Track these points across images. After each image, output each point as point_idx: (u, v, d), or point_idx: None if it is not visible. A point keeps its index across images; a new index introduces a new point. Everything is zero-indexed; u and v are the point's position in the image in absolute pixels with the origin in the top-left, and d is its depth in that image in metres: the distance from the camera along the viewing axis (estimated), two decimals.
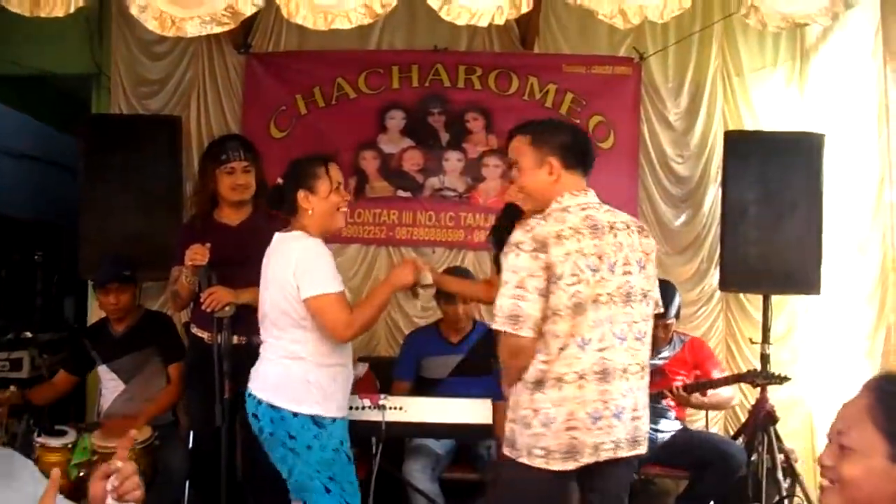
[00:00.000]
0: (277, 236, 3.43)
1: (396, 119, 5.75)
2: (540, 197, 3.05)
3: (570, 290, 2.87)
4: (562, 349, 2.90)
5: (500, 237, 3.38)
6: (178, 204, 5.31)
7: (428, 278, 3.54)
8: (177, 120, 5.50)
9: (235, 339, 3.85)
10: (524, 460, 2.96)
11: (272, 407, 3.28)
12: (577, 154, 3.08)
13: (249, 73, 5.77)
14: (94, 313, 5.73)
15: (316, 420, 3.26)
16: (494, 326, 2.95)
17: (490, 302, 3.95)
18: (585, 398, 2.90)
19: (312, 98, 5.73)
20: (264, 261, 3.45)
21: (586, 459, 2.93)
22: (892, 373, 1.78)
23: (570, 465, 2.92)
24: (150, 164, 5.32)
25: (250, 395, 3.37)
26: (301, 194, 3.36)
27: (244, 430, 3.94)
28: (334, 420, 3.31)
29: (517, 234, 2.93)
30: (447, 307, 4.67)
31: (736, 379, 4.82)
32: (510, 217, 3.44)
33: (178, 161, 5.36)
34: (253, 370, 3.43)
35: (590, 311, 2.90)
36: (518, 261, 2.88)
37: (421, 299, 5.02)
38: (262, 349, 3.44)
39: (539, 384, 2.94)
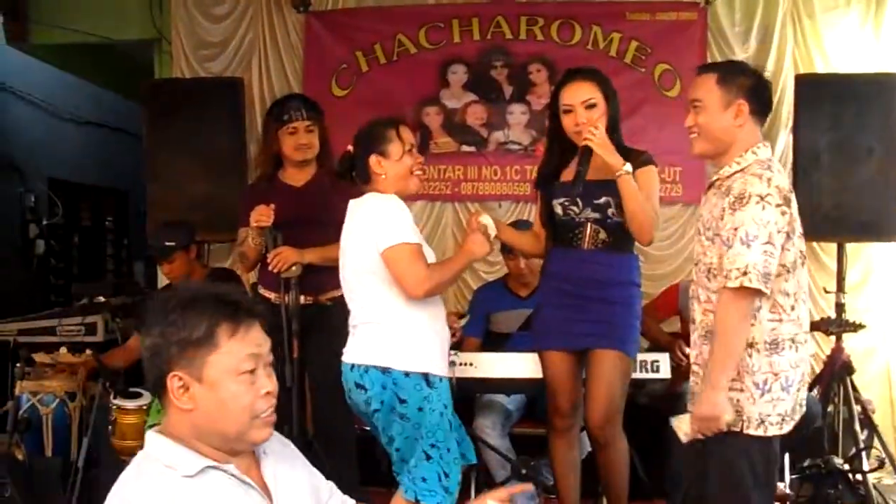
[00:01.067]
0: (351, 203, 3.33)
1: (458, 73, 5.71)
2: (718, 141, 2.91)
3: (798, 244, 2.82)
4: (792, 308, 2.82)
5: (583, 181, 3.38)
6: (242, 166, 5.32)
7: (491, 226, 3.43)
8: (239, 82, 5.49)
9: (303, 298, 3.85)
10: (752, 431, 2.81)
11: (383, 371, 3.14)
12: (764, 101, 2.95)
13: (309, 31, 5.75)
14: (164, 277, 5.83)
15: (428, 378, 3.15)
16: (732, 285, 2.71)
17: (534, 255, 3.93)
18: (807, 358, 2.88)
19: (373, 55, 5.70)
20: (343, 233, 3.35)
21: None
22: None
23: (789, 429, 2.86)
24: (214, 127, 5.32)
25: (352, 366, 3.24)
26: (373, 159, 3.24)
27: (315, 390, 3.99)
28: (441, 379, 3.21)
29: (758, 185, 2.75)
30: (509, 261, 4.64)
31: (812, 328, 4.72)
32: (587, 160, 3.40)
33: (241, 123, 5.35)
34: (347, 345, 3.33)
35: (801, 268, 2.85)
36: (765, 214, 2.72)
37: None
38: (350, 320, 3.33)
39: (774, 346, 2.80)
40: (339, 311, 3.87)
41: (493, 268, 5.47)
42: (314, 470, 2.12)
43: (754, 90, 2.91)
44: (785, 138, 5.44)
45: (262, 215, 3.83)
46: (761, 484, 2.86)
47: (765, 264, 2.70)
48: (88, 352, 4.68)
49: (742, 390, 2.81)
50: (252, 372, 1.82)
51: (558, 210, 3.59)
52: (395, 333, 3.19)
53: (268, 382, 1.85)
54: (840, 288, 4.92)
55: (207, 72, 5.79)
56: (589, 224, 3.53)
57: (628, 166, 3.39)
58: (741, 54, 5.56)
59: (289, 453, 2.04)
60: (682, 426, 2.88)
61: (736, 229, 2.74)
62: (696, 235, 3.05)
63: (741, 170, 2.86)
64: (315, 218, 3.88)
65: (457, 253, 3.44)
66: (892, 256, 5.28)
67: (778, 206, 2.74)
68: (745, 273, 2.69)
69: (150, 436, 1.86)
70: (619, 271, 3.59)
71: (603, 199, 3.50)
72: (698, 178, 5.54)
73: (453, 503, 3.23)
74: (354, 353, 3.25)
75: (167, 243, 4.54)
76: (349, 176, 3.36)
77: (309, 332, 3.75)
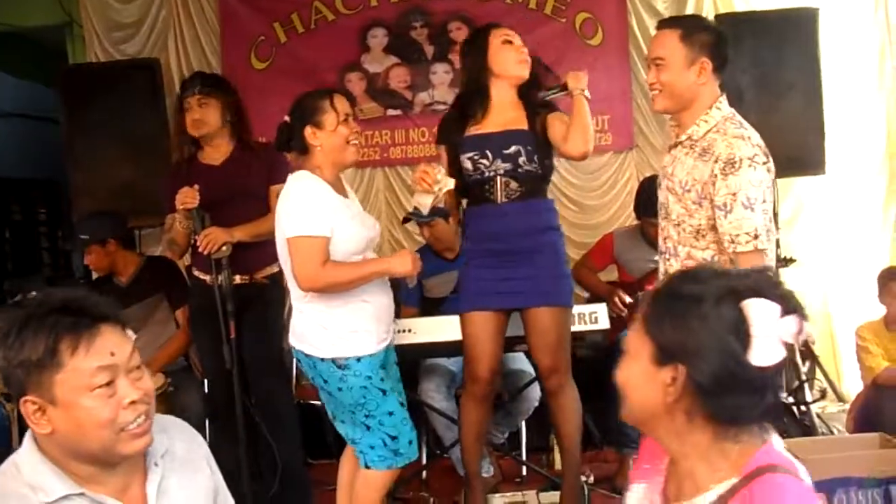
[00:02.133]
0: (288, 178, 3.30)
1: (378, 37, 5.65)
2: (681, 98, 2.94)
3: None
4: None
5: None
6: (164, 148, 5.18)
7: (448, 181, 3.36)
8: (155, 62, 5.36)
9: (238, 278, 3.79)
10: None
11: (305, 355, 3.22)
12: (723, 57, 2.97)
13: (224, 6, 5.65)
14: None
15: (337, 362, 3.16)
16: (745, 249, 2.80)
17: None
18: None
19: (291, 24, 5.62)
20: None
21: None
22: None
23: None
24: (133, 110, 5.19)
25: (292, 346, 3.31)
26: (308, 130, 3.20)
27: (251, 366, 3.94)
28: (359, 359, 3.17)
29: (745, 147, 2.81)
30: (422, 230, 4.58)
31: None
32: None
33: (160, 105, 5.23)
34: None
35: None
36: (757, 174, 2.79)
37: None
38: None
39: None
40: (274, 287, 3.86)
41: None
42: (219, 479, 1.99)
43: (715, 46, 2.94)
44: None
45: (188, 197, 3.73)
46: None
47: (765, 223, 2.80)
48: None
49: None
50: (109, 384, 1.67)
51: (468, 165, 3.53)
52: (307, 320, 3.23)
53: (131, 391, 1.69)
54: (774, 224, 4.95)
55: (123, 54, 5.65)
56: (499, 177, 3.50)
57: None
58: None
59: (194, 456, 1.93)
60: None
61: (734, 194, 2.79)
62: (666, 192, 3.05)
63: (712, 128, 2.90)
64: (239, 194, 3.81)
65: (375, 260, 3.34)
66: (821, 191, 5.31)
67: (764, 163, 2.82)
68: (755, 236, 2.79)
69: (27, 444, 1.74)
70: (538, 218, 3.58)
71: (513, 149, 3.48)
72: (625, 125, 5.59)
73: (412, 458, 3.34)
74: (290, 334, 3.32)
75: (81, 236, 4.46)
76: (287, 147, 3.31)
77: (248, 310, 3.70)
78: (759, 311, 1.50)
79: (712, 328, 1.52)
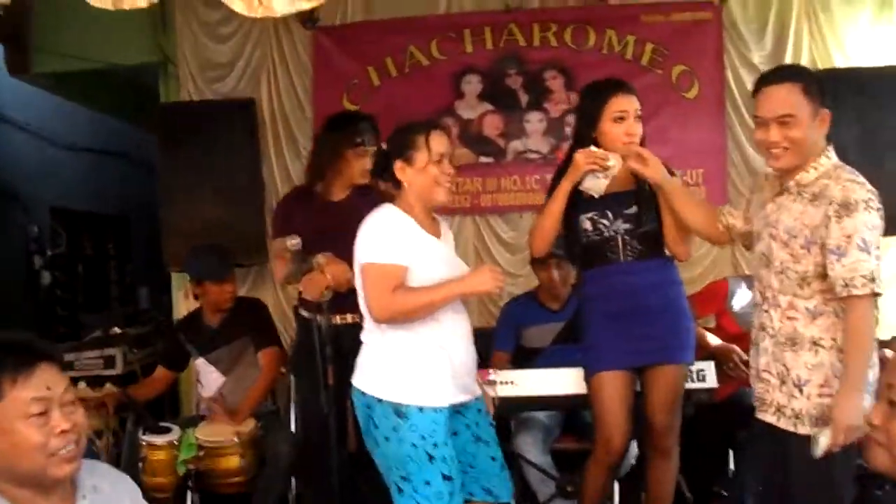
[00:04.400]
0: None
1: (473, 83, 5.61)
2: (808, 154, 2.87)
3: None
4: None
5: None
6: (257, 188, 5.23)
7: (618, 159, 3.28)
8: (251, 101, 5.41)
9: (350, 317, 3.73)
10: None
11: (362, 394, 3.06)
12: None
13: (318, 48, 5.66)
14: (180, 304, 5.71)
15: (396, 409, 2.96)
16: (861, 293, 2.69)
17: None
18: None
19: (384, 68, 5.61)
20: None
21: None
22: None
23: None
24: (227, 148, 5.27)
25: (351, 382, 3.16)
26: (398, 165, 3.08)
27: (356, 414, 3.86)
28: (422, 409, 2.96)
29: (861, 192, 2.76)
30: (540, 272, 4.54)
31: None
32: None
33: (255, 144, 5.26)
34: None
35: None
36: (871, 218, 2.74)
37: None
38: None
39: None
40: None
41: (515, 279, 5.35)
42: None
43: (823, 94, 2.88)
44: None
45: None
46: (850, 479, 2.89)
47: (877, 269, 2.72)
48: (108, 385, 4.56)
49: (832, 395, 2.78)
50: (43, 413, 1.91)
51: (587, 226, 3.47)
52: (375, 356, 3.09)
53: (63, 421, 1.93)
54: None
55: (216, 93, 5.69)
56: (619, 236, 3.44)
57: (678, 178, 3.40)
58: (758, 52, 5.51)
59: (117, 495, 2.12)
60: (822, 440, 2.75)
61: (850, 237, 2.72)
62: (769, 241, 2.97)
63: (823, 174, 2.84)
64: (352, 233, 3.76)
65: (449, 281, 3.07)
66: None
67: (878, 209, 2.76)
68: (872, 280, 2.70)
69: None
70: (662, 274, 3.50)
71: (633, 210, 3.43)
72: (719, 179, 5.50)
73: None
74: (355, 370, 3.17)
75: (225, 263, 4.47)
76: (382, 175, 3.19)
77: (352, 353, 3.61)
78: None
79: None
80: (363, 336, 3.17)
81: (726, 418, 4.12)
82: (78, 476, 2.02)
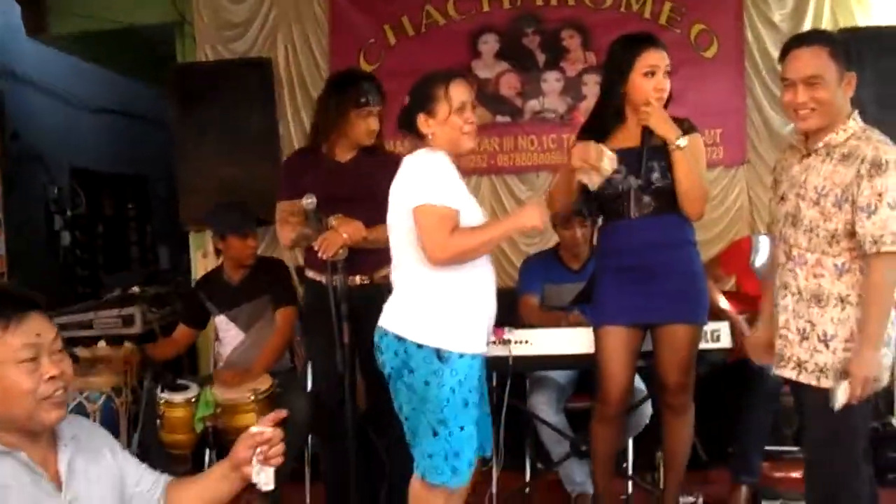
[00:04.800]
0: (405, 159, 3.13)
1: (490, 43, 5.58)
2: (835, 115, 2.90)
3: None
4: None
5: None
6: (273, 147, 5.23)
7: (614, 157, 3.24)
8: (267, 61, 5.41)
9: (358, 279, 3.77)
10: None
11: (398, 339, 3.02)
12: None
13: (334, 6, 5.63)
14: (198, 264, 5.75)
15: (440, 354, 2.96)
16: (889, 249, 2.74)
17: None
18: None
19: (401, 27, 5.59)
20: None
21: None
22: None
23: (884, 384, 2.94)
24: (243, 108, 5.27)
25: (378, 326, 3.12)
26: (421, 118, 3.06)
27: (367, 372, 3.87)
28: (462, 356, 2.98)
29: (892, 153, 2.78)
30: (564, 231, 4.49)
31: None
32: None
33: (271, 103, 5.25)
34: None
35: None
36: None
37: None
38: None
39: None
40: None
41: (532, 239, 5.35)
42: (127, 458, 2.28)
43: (849, 58, 2.90)
44: None
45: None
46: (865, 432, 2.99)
47: None
48: (128, 344, 4.59)
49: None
50: (33, 359, 1.99)
51: None
52: (415, 302, 3.06)
53: (52, 367, 2.01)
54: None
55: (232, 53, 5.68)
56: (631, 191, 3.43)
57: (683, 140, 3.34)
58: (778, 10, 5.42)
59: (95, 444, 2.21)
60: (840, 394, 2.80)
61: (881, 195, 2.76)
62: (796, 200, 2.98)
63: (852, 136, 2.87)
64: (362, 196, 3.74)
65: (502, 220, 3.22)
66: None
67: None
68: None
69: None
70: (673, 232, 3.47)
71: (646, 164, 3.40)
72: (738, 140, 5.46)
73: (465, 482, 3.10)
74: (383, 315, 3.13)
75: (220, 228, 4.49)
76: (407, 129, 3.16)
77: (364, 314, 3.60)
78: None
79: None
80: (396, 282, 3.15)
81: (740, 380, 4.12)
82: (58, 426, 2.10)
